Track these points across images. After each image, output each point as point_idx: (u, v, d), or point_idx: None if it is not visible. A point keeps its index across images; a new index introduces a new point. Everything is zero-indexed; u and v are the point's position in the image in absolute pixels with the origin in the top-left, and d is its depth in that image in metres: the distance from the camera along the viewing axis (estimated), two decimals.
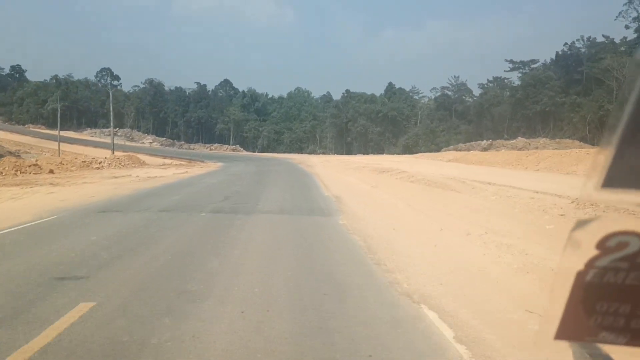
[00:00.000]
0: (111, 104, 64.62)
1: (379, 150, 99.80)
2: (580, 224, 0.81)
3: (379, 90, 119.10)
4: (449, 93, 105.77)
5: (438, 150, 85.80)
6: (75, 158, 47.93)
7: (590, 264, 0.82)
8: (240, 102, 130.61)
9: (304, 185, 26.15)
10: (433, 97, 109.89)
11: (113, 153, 62.98)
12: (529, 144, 65.43)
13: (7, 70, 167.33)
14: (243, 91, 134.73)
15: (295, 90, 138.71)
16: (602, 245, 0.80)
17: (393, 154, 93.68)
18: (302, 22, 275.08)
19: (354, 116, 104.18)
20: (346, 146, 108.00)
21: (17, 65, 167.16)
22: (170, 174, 34.87)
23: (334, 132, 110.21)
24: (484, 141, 72.28)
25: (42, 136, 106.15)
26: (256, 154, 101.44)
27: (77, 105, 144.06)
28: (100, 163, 46.05)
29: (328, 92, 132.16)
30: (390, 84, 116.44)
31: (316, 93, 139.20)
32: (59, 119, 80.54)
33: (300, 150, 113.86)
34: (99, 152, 70.34)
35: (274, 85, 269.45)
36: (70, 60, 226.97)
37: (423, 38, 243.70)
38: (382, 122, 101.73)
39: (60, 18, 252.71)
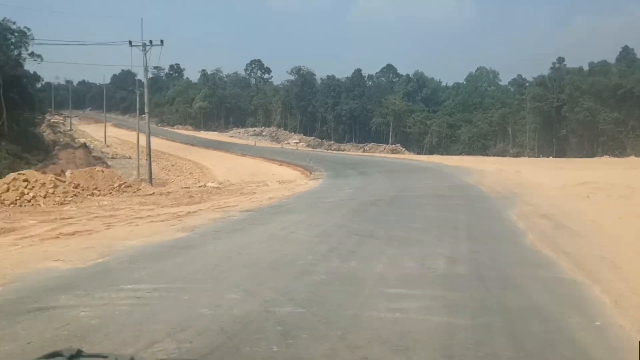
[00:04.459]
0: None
1: (620, 150, 58.13)
2: None
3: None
4: None
5: None
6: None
7: None
8: (403, 89, 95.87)
9: None
10: None
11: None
12: None
13: (166, 70, 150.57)
14: (407, 75, 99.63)
15: (476, 72, 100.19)
16: None
17: None
18: (483, 15, 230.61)
19: (572, 97, 63.62)
20: (557, 143, 67.88)
21: (176, 64, 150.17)
22: None
23: (537, 122, 70.56)
24: None
25: (177, 138, 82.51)
26: (421, 157, 65.80)
27: (225, 103, 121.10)
28: None
29: (519, 75, 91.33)
30: (625, 47, 72.90)
31: (503, 79, 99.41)
32: (104, 108, 53.52)
33: (484, 150, 76.13)
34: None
35: (448, 73, 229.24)
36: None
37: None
38: (620, 105, 59.90)
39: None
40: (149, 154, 34.64)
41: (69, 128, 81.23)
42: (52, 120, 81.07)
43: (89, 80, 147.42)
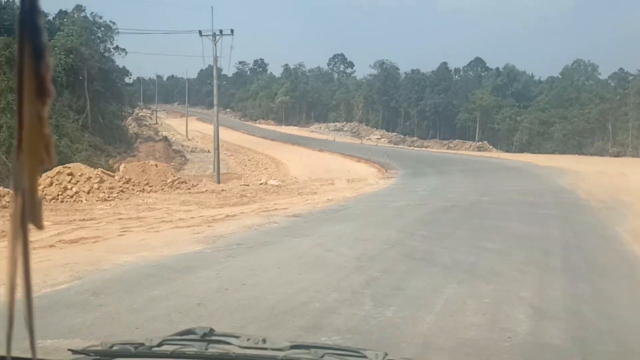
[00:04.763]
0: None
1: None
2: None
3: None
4: None
5: None
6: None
7: None
8: (492, 83, 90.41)
9: None
10: None
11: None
12: None
13: (250, 65, 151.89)
14: (497, 68, 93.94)
15: (573, 65, 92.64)
16: None
17: None
18: (581, 4, 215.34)
19: None
20: None
21: (260, 58, 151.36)
22: None
23: None
24: None
25: (257, 133, 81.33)
26: (509, 155, 60.85)
27: (307, 98, 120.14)
28: None
29: (621, 69, 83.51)
30: None
31: (603, 73, 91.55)
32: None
33: (579, 149, 69.79)
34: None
35: (542, 67, 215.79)
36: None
37: None
38: None
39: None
40: (217, 148, 33.42)
41: (154, 121, 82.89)
42: (139, 114, 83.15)
43: (177, 75, 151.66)
